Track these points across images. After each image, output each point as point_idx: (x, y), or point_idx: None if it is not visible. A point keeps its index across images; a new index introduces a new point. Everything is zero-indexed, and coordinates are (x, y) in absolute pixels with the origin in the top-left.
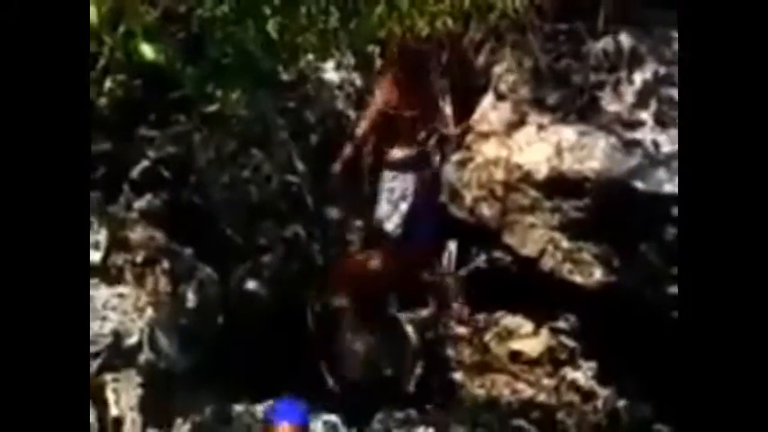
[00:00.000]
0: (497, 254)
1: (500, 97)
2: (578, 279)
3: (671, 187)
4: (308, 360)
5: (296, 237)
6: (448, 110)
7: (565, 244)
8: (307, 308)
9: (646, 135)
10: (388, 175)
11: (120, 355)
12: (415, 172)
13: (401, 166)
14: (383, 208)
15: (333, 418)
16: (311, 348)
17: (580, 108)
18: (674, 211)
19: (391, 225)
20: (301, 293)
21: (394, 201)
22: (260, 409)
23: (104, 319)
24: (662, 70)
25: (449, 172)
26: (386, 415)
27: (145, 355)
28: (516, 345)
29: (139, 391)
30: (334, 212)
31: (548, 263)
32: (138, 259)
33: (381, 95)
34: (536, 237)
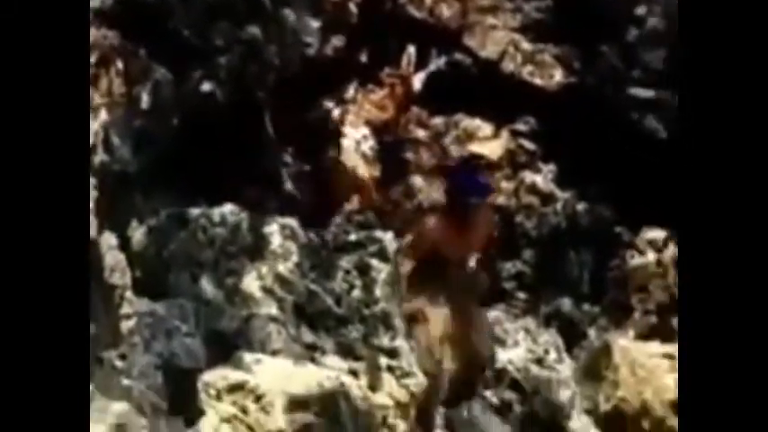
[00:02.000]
0: (457, 56)
1: None
2: (539, 81)
3: None
4: (266, 162)
5: (253, 38)
6: None
7: (526, 45)
8: (264, 110)
9: None
10: None
11: None
12: None
13: None
14: None
15: (289, 221)
16: (269, 150)
17: None
18: (636, 10)
19: None
20: (258, 95)
21: None
22: (216, 212)
23: None
24: None
25: None
26: (344, 218)
27: (99, 157)
28: (476, 148)
29: (94, 193)
30: (291, 15)
31: (508, 65)
32: (92, 60)
33: None
34: (497, 38)
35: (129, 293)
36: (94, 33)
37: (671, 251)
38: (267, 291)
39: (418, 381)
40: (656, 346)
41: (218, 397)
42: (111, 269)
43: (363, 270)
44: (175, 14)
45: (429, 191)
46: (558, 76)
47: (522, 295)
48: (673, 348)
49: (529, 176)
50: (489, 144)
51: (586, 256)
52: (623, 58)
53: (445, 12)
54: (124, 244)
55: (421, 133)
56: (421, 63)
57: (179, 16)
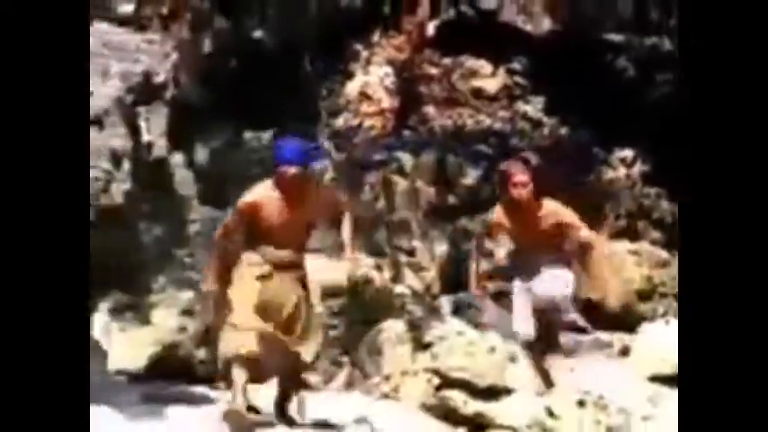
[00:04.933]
0: (463, 7)
1: None
2: (530, 28)
3: None
4: (306, 95)
5: None
6: None
7: None
8: (304, 52)
9: None
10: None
11: (149, 91)
12: None
13: None
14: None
15: (325, 144)
16: (309, 85)
17: None
18: None
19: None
20: (300, 40)
21: None
22: (266, 136)
23: (136, 61)
24: None
25: None
26: (370, 142)
27: (170, 92)
28: (478, 83)
29: (166, 120)
30: None
31: (505, 14)
32: (165, 11)
33: None
34: None
35: (194, 203)
36: None
37: (638, 167)
38: None
39: (431, 274)
40: (624, 245)
41: None
42: (180, 183)
43: (386, 184)
44: None
45: (441, 118)
46: (547, 23)
47: None
48: (638, 246)
49: (521, 106)
50: (489, 80)
51: (569, 172)
52: (600, 7)
53: None
54: (190, 162)
55: (433, 71)
56: (433, 13)
57: None
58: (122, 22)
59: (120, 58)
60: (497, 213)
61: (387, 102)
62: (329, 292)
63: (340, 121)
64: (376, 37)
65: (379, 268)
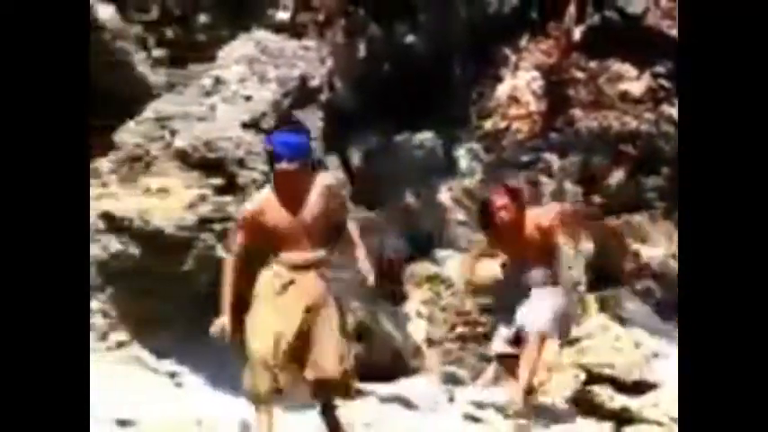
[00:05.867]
0: (608, 12)
1: None
2: (674, 32)
3: None
4: (456, 99)
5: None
6: None
7: (664, 3)
8: (454, 57)
9: None
10: None
11: (305, 95)
12: None
13: None
14: None
15: (474, 146)
16: (459, 89)
17: None
18: None
19: None
20: (450, 45)
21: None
22: (417, 138)
23: (293, 66)
24: None
25: None
26: (517, 144)
27: (325, 95)
28: (624, 86)
29: (321, 123)
30: None
31: (650, 19)
32: (320, 18)
33: None
34: None
35: (348, 203)
36: None
37: None
38: (456, 201)
39: (578, 271)
40: None
41: (419, 284)
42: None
43: (534, 184)
44: None
45: (587, 120)
46: None
47: (660, 204)
48: None
49: (666, 109)
50: (634, 83)
51: None
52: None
53: None
54: (345, 163)
55: (580, 74)
56: (579, 18)
57: None
58: (279, 29)
59: (277, 63)
60: (483, 244)
61: (534, 105)
62: (477, 290)
63: (489, 124)
64: (524, 42)
65: None
